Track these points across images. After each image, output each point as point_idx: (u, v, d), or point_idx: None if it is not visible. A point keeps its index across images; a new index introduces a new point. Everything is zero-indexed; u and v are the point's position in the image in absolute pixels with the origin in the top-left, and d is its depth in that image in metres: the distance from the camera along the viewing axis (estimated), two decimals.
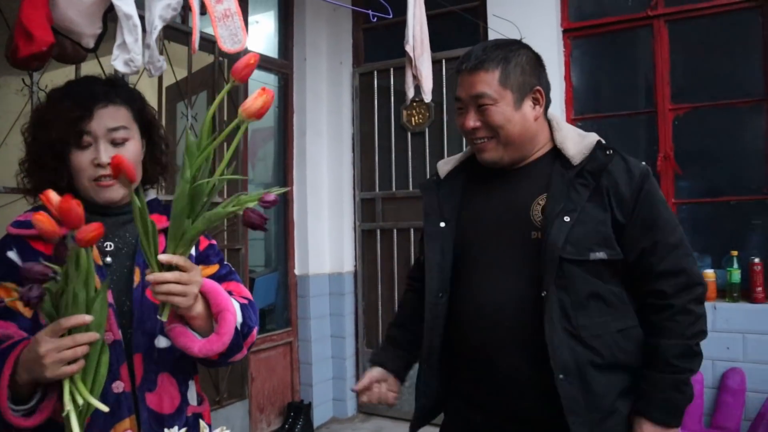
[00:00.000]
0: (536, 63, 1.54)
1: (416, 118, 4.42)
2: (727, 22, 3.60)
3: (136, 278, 1.34)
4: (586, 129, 3.99)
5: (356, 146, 4.61)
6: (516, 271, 1.47)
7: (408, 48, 2.77)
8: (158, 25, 1.57)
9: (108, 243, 1.38)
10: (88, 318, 1.07)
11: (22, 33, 1.37)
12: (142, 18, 1.53)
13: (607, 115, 3.94)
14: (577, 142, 1.50)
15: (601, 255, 1.40)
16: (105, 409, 1.09)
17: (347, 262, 4.55)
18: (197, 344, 1.26)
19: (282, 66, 4.38)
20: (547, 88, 1.55)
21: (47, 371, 1.07)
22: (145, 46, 1.55)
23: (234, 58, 3.89)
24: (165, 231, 1.45)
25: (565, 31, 3.94)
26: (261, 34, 4.39)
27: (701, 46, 3.67)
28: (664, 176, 3.64)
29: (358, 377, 4.53)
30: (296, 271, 4.37)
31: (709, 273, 3.46)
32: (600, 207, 1.43)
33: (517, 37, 3.84)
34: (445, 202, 1.59)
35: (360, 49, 4.67)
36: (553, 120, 1.58)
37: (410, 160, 4.42)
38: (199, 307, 1.25)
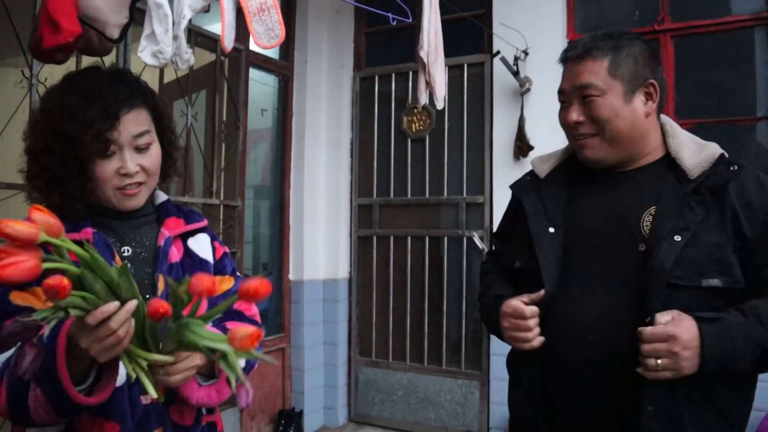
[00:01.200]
0: (651, 55, 1.41)
1: (417, 124, 4.37)
2: (733, 39, 3.61)
3: (160, 286, 1.27)
4: None
5: (355, 151, 4.55)
6: (618, 288, 1.33)
7: (422, 53, 2.71)
8: (187, 15, 1.49)
9: (125, 248, 1.30)
10: (113, 306, 0.98)
11: (47, 22, 1.28)
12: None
13: None
14: (695, 153, 1.37)
15: (715, 282, 1.24)
16: (170, 359, 1.06)
17: (342, 269, 4.47)
18: (195, 395, 1.22)
19: (282, 67, 4.31)
20: (662, 83, 1.41)
21: (100, 358, 1.02)
22: (173, 37, 1.47)
23: (234, 56, 3.84)
24: (183, 236, 1.39)
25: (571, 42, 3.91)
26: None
27: (707, 61, 3.67)
28: None
29: (349, 386, 4.45)
30: (291, 276, 4.29)
31: None
32: (719, 229, 1.28)
33: (523, 47, 3.85)
34: (551, 205, 1.45)
35: (361, 53, 4.61)
36: (666, 124, 1.45)
37: (409, 167, 4.37)
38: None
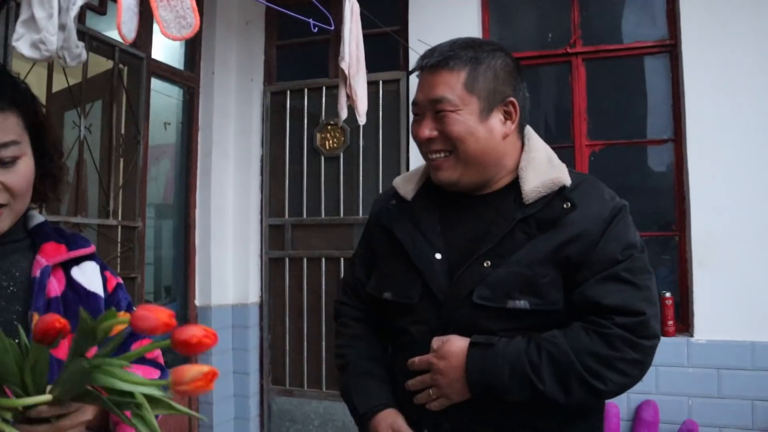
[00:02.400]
0: (514, 70, 1.31)
1: (330, 142, 4.23)
2: (640, 64, 3.72)
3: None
4: None
5: (265, 169, 4.34)
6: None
7: (343, 65, 2.58)
8: (78, 1, 1.27)
9: None
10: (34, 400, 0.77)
11: None
12: None
13: None
14: (540, 173, 1.27)
15: (521, 304, 1.21)
16: (47, 398, 0.81)
17: (252, 293, 4.23)
18: None
19: (187, 78, 4.06)
20: (523, 102, 1.32)
21: None
22: (60, 26, 1.24)
23: (134, 64, 3.55)
24: (66, 265, 1.16)
25: None
26: (165, 41, 4.04)
27: (616, 85, 3.75)
28: None
29: (262, 417, 4.19)
30: (197, 302, 4.00)
31: None
32: (538, 252, 1.22)
33: None
34: (429, 231, 1.33)
35: (272, 67, 4.43)
36: (527, 138, 1.35)
37: (323, 186, 4.20)
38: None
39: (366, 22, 3.47)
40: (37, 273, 1.08)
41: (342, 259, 4.10)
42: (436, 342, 1.23)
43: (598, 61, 3.77)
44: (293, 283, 4.22)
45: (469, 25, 3.89)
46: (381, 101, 4.06)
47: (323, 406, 4.03)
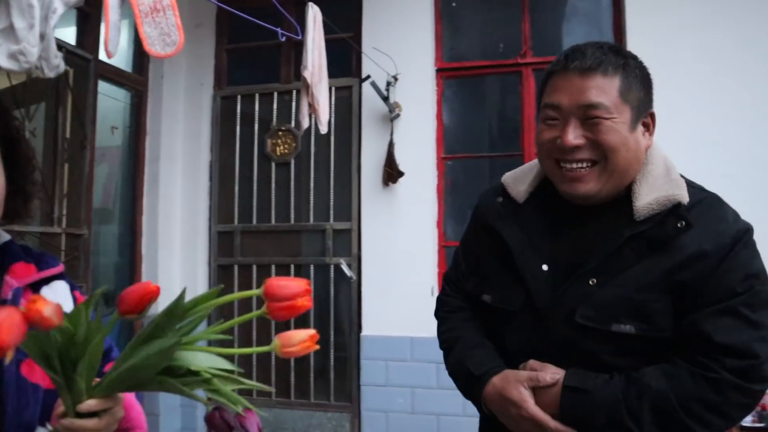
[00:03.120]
0: (650, 81, 1.23)
1: (282, 147, 4.19)
2: None
3: (8, 353, 0.98)
4: (457, 168, 3.95)
5: (214, 175, 4.26)
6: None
7: (306, 74, 2.57)
8: (59, 10, 1.22)
9: None
10: None
11: None
12: None
13: (476, 156, 4.01)
14: (654, 188, 1.18)
15: (627, 329, 1.14)
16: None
17: None
18: None
19: (135, 81, 3.95)
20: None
21: None
22: (40, 36, 1.19)
23: (81, 66, 3.43)
24: (35, 287, 1.11)
25: (439, 71, 3.98)
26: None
27: None
28: None
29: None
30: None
31: None
32: (648, 274, 1.15)
33: (393, 73, 3.83)
34: (537, 238, 1.25)
35: (223, 71, 4.36)
36: (650, 151, 1.25)
37: (273, 192, 4.16)
38: None
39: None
40: (9, 295, 1.03)
41: (292, 266, 4.07)
42: (533, 365, 1.18)
43: None
44: (243, 289, 4.13)
45: (423, 34, 3.94)
46: (333, 108, 4.05)
47: (273, 415, 3.99)
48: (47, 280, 1.12)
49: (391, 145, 3.85)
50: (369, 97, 3.90)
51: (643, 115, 1.20)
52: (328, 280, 4.02)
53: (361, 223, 3.96)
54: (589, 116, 1.15)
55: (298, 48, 3.92)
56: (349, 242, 4.01)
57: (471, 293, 1.37)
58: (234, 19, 4.23)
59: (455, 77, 4.03)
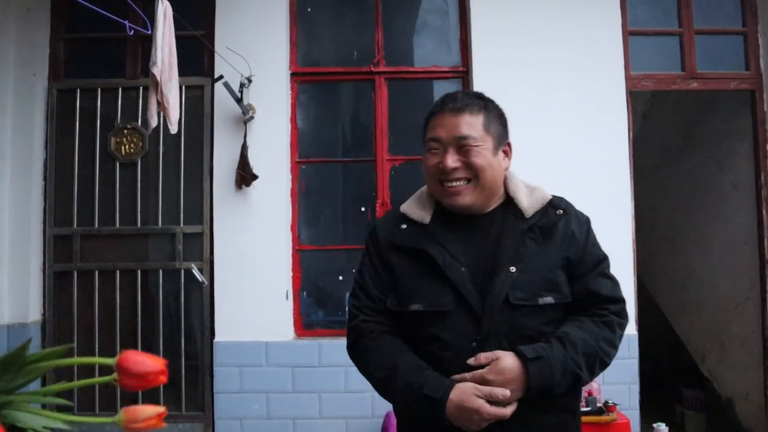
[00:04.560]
0: (505, 119, 1.60)
1: (127, 147, 3.97)
2: (437, 87, 4.04)
3: None
4: (311, 172, 4.04)
5: (50, 174, 3.94)
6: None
7: (155, 70, 2.45)
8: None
9: None
10: None
11: None
12: None
13: (330, 160, 4.06)
14: (527, 194, 1.57)
15: (548, 299, 1.47)
16: None
17: (33, 311, 3.82)
18: None
19: None
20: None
21: None
22: None
23: None
24: None
25: (293, 75, 3.97)
26: None
27: (415, 104, 4.03)
28: None
29: None
30: None
31: None
32: (548, 256, 1.50)
33: (247, 74, 3.77)
34: (451, 247, 1.51)
35: (59, 62, 4.04)
36: (510, 172, 1.63)
37: (118, 194, 3.94)
38: None
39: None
40: None
41: (139, 271, 3.88)
42: (484, 358, 1.41)
43: (399, 81, 4.02)
44: (82, 298, 3.89)
45: (277, 37, 3.91)
46: (183, 107, 3.90)
47: (119, 430, 3.77)
48: None
49: (244, 147, 3.79)
50: (222, 97, 3.81)
51: (502, 144, 1.57)
52: (179, 285, 3.87)
53: (214, 226, 3.86)
54: (462, 145, 1.49)
55: (145, 42, 3.74)
56: (200, 246, 3.89)
57: (393, 309, 1.55)
58: (73, 6, 3.94)
59: (310, 82, 4.04)
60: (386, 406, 3.61)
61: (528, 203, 1.55)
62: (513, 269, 1.46)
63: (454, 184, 1.50)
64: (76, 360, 0.78)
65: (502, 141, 1.56)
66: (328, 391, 3.69)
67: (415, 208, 1.61)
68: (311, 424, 3.67)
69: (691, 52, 4.01)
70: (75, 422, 0.71)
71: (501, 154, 1.56)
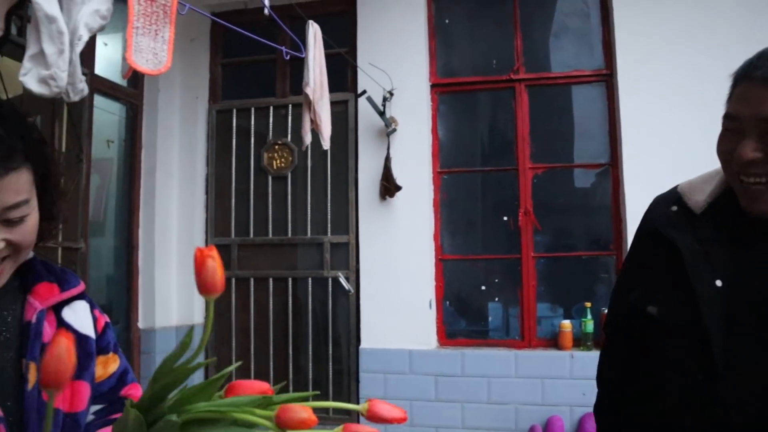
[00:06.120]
0: None
1: (278, 161, 4.21)
2: (579, 92, 3.92)
3: (31, 377, 0.94)
4: (452, 182, 3.97)
5: (211, 188, 4.27)
6: None
7: (308, 90, 2.59)
8: (84, 36, 1.23)
9: None
10: None
11: None
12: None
13: (470, 170, 4.06)
14: None
15: None
16: None
17: (198, 314, 4.14)
18: None
19: (131, 95, 3.95)
20: None
21: None
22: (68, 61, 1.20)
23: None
24: (56, 307, 1.09)
25: (433, 86, 4.02)
26: (109, 57, 3.93)
27: (556, 111, 3.93)
28: (524, 231, 3.80)
29: None
30: (140, 325, 3.88)
31: (566, 323, 3.65)
32: None
33: (388, 88, 3.87)
34: (715, 251, 1.12)
35: (217, 85, 4.38)
36: None
37: (270, 206, 4.18)
38: None
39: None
40: (32, 318, 1.00)
41: (290, 279, 4.08)
42: None
43: (539, 87, 3.94)
44: (240, 303, 4.17)
45: (417, 50, 3.99)
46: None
47: None
48: (68, 300, 1.11)
49: (387, 159, 3.89)
50: (365, 111, 3.94)
51: None
52: (326, 292, 4.03)
53: (359, 236, 3.98)
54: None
55: (293, 63, 3.95)
56: (346, 255, 4.03)
57: (634, 306, 1.22)
58: (228, 34, 4.26)
59: (449, 92, 4.08)
60: (530, 419, 3.53)
61: None
62: None
63: (753, 180, 1.05)
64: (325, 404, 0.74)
65: None
66: (471, 401, 3.67)
67: (692, 190, 1.22)
68: None
69: None
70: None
71: None
